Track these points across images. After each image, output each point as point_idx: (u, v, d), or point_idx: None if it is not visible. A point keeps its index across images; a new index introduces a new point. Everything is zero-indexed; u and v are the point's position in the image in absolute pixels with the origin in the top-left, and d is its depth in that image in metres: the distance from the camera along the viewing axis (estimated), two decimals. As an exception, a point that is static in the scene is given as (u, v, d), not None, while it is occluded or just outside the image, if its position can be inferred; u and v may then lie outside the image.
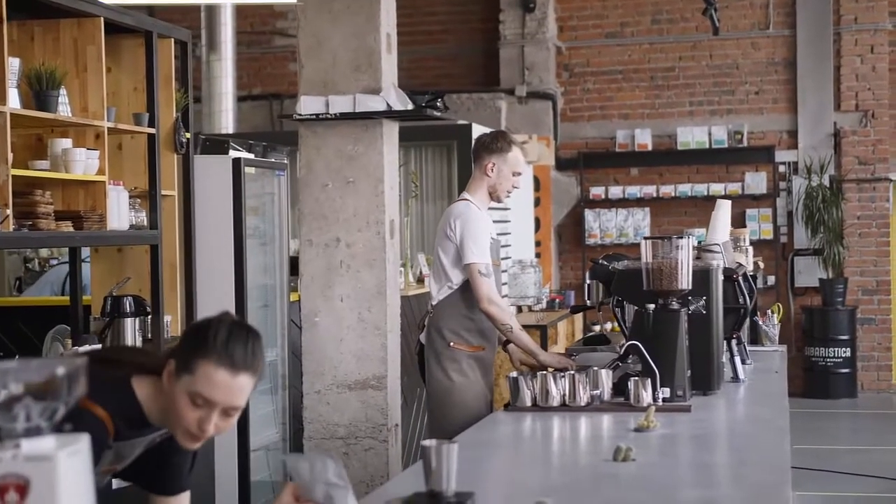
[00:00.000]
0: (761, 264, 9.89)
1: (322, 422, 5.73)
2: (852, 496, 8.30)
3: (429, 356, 5.47)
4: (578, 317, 11.30)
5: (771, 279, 12.88)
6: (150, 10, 13.00)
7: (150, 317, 5.86)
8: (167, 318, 6.05)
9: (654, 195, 13.16)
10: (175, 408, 2.69)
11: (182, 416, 2.68)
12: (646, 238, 4.57)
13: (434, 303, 5.49)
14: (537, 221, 12.66)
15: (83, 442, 1.82)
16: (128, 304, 5.69)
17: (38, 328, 6.30)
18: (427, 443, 2.80)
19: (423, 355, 5.57)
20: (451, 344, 5.39)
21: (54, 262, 9.07)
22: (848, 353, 12.58)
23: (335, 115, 5.63)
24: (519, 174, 5.50)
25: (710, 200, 10.69)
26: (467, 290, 5.31)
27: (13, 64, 4.99)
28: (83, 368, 1.82)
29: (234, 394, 2.65)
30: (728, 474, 3.37)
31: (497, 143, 5.49)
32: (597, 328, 10.33)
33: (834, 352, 12.56)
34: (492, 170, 5.45)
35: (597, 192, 13.30)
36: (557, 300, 11.08)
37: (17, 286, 9.28)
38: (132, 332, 5.67)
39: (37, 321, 6.48)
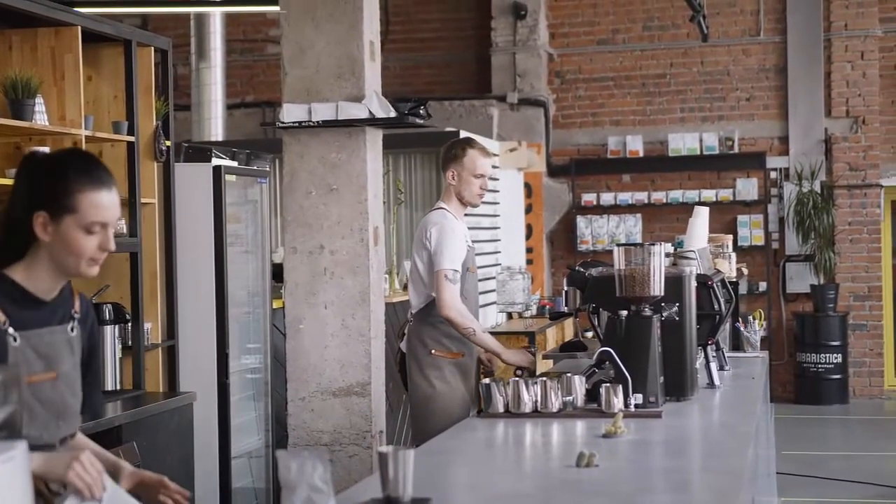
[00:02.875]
0: (745, 270, 9.87)
1: (306, 429, 5.74)
2: (842, 502, 8.29)
3: (410, 364, 5.50)
4: (569, 323, 11.29)
5: (763, 285, 12.89)
6: (144, 18, 13.06)
7: (129, 324, 5.87)
8: (147, 326, 6.06)
9: (646, 202, 13.16)
10: (70, 248, 2.82)
11: (81, 250, 2.82)
12: (619, 245, 4.58)
13: (414, 311, 5.52)
14: (529, 228, 12.68)
15: (19, 449, 1.83)
16: (107, 312, 5.69)
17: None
18: (383, 449, 2.83)
19: (404, 364, 5.60)
20: (433, 351, 5.43)
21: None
22: (839, 359, 12.58)
23: (318, 122, 5.63)
24: (481, 176, 5.52)
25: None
26: None
27: (-12, 73, 5.02)
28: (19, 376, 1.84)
29: (118, 207, 2.88)
30: (687, 480, 3.37)
31: (452, 150, 5.55)
32: (589, 335, 10.33)
33: (825, 358, 12.55)
34: (453, 177, 5.51)
35: (588, 198, 13.31)
36: (548, 307, 11.08)
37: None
38: (112, 340, 5.67)
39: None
